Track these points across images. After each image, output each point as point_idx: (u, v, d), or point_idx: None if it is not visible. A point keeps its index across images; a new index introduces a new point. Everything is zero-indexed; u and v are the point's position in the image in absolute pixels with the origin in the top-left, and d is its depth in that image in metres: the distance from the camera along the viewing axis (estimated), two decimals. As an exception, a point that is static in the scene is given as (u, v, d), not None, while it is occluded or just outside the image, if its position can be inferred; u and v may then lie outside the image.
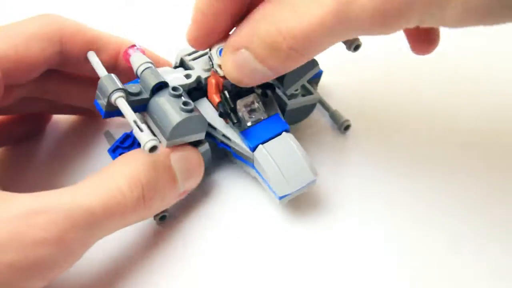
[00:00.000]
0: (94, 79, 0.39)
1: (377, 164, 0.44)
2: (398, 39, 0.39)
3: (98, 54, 0.39)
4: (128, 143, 0.41)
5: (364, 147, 0.45)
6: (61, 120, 0.48)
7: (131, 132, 0.40)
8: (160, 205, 0.36)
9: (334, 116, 0.45)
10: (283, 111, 0.41)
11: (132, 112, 0.34)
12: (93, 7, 0.59)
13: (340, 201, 0.41)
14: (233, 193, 0.42)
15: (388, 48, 0.51)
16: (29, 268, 0.29)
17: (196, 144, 0.39)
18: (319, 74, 0.46)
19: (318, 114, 0.47)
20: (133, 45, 0.39)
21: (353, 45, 0.34)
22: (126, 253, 0.39)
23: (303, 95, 0.43)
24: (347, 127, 0.45)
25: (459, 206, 0.41)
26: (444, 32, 0.36)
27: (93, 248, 0.33)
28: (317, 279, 0.37)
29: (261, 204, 0.41)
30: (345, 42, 0.34)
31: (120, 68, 0.40)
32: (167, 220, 0.40)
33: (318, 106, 0.47)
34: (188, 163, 0.37)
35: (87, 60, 0.38)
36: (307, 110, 0.44)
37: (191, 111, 0.36)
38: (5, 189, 0.32)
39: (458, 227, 0.40)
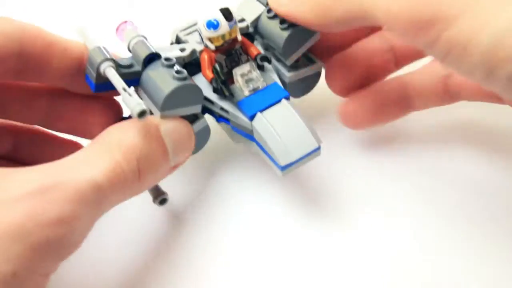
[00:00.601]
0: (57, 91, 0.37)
1: (398, 158, 0.41)
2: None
3: (60, 58, 0.35)
4: None
5: (381, 139, 0.43)
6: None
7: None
8: (153, 179, 0.34)
9: None
10: (284, 85, 0.39)
11: (121, 80, 0.33)
12: (93, 7, 0.59)
13: (356, 200, 0.39)
14: (242, 197, 0.40)
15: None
16: (51, 249, 0.27)
17: (193, 120, 0.37)
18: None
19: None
20: (125, 21, 0.38)
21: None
22: (131, 255, 0.37)
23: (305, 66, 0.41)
24: None
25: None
26: None
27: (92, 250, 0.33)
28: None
29: (273, 210, 0.39)
30: None
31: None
32: (173, 222, 0.39)
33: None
34: (178, 135, 0.35)
35: (48, 67, 0.35)
36: (311, 81, 0.42)
37: (184, 79, 0.34)
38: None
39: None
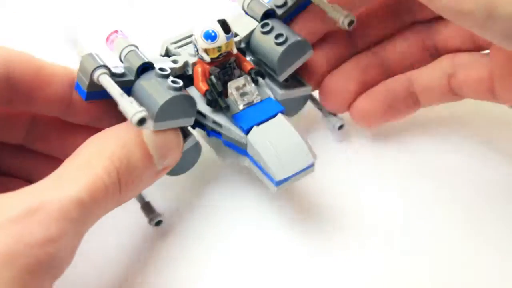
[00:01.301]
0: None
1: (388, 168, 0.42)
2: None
3: (49, 85, 0.34)
4: None
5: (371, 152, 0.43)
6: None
7: None
8: (137, 187, 0.33)
9: (327, 115, 0.43)
10: None
11: (117, 86, 0.32)
12: (94, 7, 0.57)
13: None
14: (231, 213, 0.39)
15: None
16: (42, 269, 0.27)
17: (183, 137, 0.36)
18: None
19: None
20: (115, 31, 0.37)
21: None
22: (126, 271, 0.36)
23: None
24: (340, 127, 0.43)
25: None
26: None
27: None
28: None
29: (264, 225, 0.39)
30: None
31: (77, 104, 0.35)
32: (168, 238, 0.38)
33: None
34: (163, 138, 0.34)
35: (37, 94, 0.34)
36: (298, 103, 0.42)
37: (180, 89, 0.33)
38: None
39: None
